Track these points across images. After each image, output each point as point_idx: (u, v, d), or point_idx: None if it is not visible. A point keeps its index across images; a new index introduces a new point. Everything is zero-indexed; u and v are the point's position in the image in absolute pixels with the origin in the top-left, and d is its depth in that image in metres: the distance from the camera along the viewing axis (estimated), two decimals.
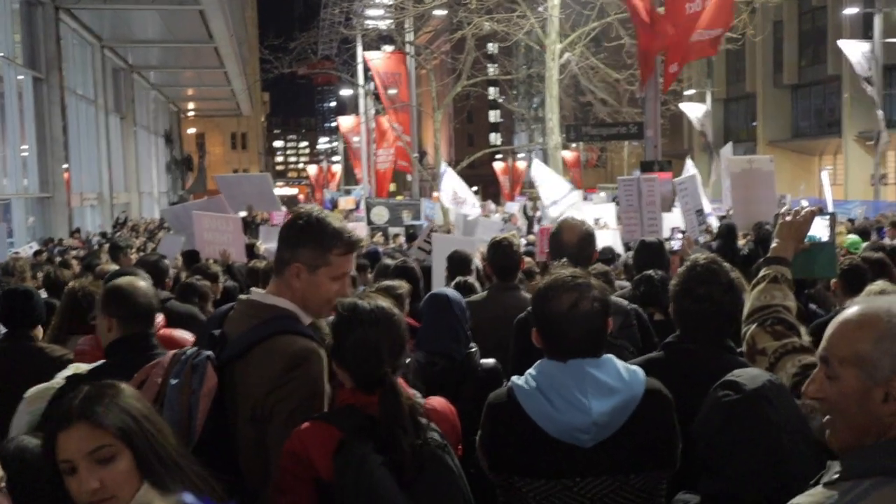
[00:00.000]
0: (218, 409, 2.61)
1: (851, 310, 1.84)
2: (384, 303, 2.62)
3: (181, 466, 2.10)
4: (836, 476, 1.73)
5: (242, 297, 2.93)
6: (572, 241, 4.14)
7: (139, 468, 2.04)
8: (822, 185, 16.20)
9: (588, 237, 4.30)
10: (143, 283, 3.54)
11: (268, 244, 11.00)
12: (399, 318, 2.60)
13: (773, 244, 3.03)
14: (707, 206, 14.22)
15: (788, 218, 3.05)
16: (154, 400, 2.52)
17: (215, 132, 77.63)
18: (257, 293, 2.86)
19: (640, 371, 2.63)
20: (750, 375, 2.29)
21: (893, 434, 1.75)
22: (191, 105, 64.79)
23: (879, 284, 4.19)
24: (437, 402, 2.82)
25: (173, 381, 2.61)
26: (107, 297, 3.39)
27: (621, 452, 2.53)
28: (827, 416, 1.85)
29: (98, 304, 3.50)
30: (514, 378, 2.66)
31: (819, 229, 3.08)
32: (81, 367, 3.28)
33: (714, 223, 12.33)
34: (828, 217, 3.10)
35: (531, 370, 2.66)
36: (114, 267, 7.30)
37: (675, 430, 2.62)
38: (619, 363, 2.64)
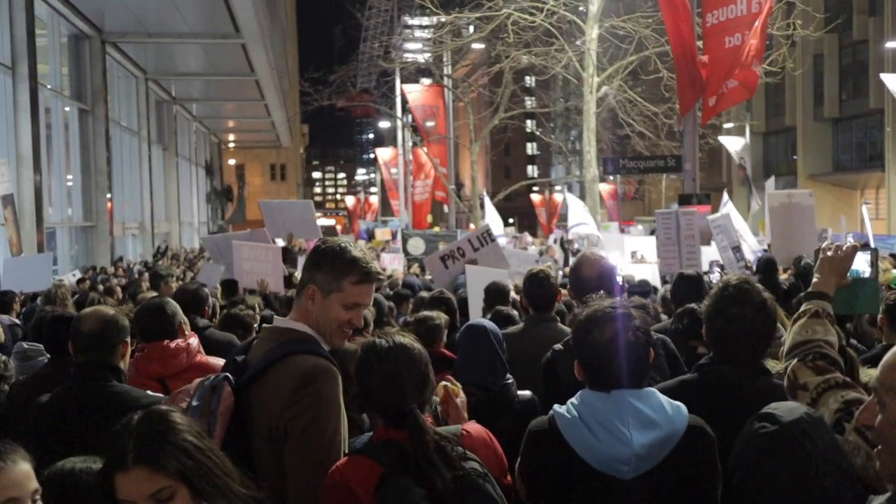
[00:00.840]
0: (237, 431, 2.66)
1: None
2: (404, 339, 2.63)
3: (236, 493, 2.12)
4: None
5: (266, 325, 3.00)
6: (592, 276, 4.10)
7: (196, 498, 2.07)
8: (863, 219, 15.99)
9: (607, 271, 4.26)
10: (105, 311, 3.69)
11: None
12: (420, 352, 2.60)
13: (815, 279, 3.01)
14: (751, 239, 14.08)
15: (830, 253, 3.03)
16: None
17: (255, 163, 78.58)
18: (279, 320, 2.93)
19: (682, 407, 2.61)
20: (787, 408, 2.27)
21: None
22: (231, 136, 65.73)
23: None
24: (473, 427, 2.80)
25: (195, 403, 2.68)
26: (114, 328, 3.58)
27: (661, 486, 2.52)
28: (877, 448, 1.84)
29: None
30: (556, 406, 2.66)
31: (861, 264, 3.05)
32: None
33: (751, 257, 12.22)
34: (869, 252, 3.07)
35: (573, 399, 2.66)
36: (153, 294, 7.40)
37: (717, 467, 2.59)
38: (662, 397, 2.63)
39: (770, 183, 21.23)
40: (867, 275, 3.06)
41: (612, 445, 2.50)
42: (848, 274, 3.02)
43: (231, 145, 69.77)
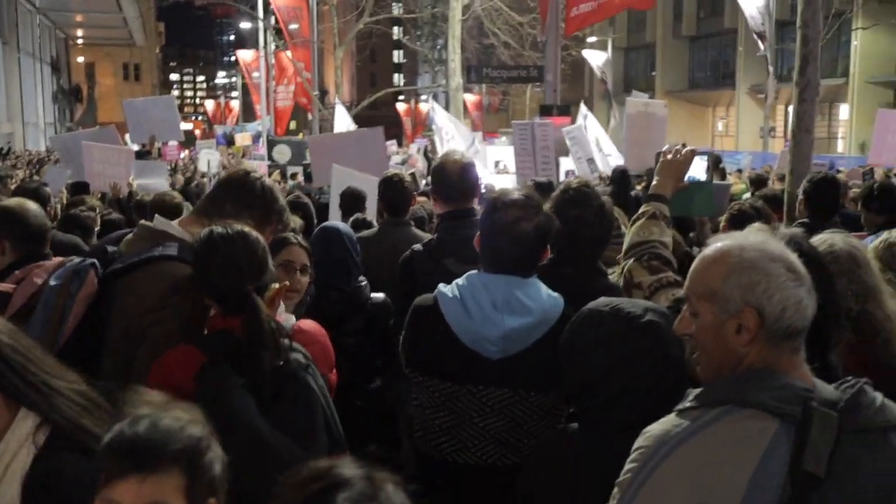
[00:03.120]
0: (91, 321, 2.61)
1: (709, 248, 1.90)
2: (241, 226, 2.62)
3: (56, 388, 2.02)
4: (689, 405, 1.80)
5: (144, 222, 2.94)
6: (454, 174, 4.01)
7: (10, 398, 1.97)
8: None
9: (469, 168, 4.10)
10: (32, 204, 3.44)
11: (141, 179, 10.47)
12: (257, 238, 2.60)
13: (654, 181, 3.12)
14: (611, 149, 14.33)
15: (669, 156, 3.13)
16: (30, 298, 2.48)
17: (106, 62, 74.30)
18: (159, 221, 2.86)
19: (561, 298, 2.71)
20: (630, 302, 2.38)
21: (746, 365, 1.82)
22: (80, 32, 61.89)
23: (757, 226, 4.36)
24: (307, 324, 2.88)
25: (53, 283, 2.63)
26: None
27: (525, 369, 2.62)
28: (696, 353, 1.92)
29: None
30: (441, 285, 2.75)
31: (698, 170, 3.17)
32: None
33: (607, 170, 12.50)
34: (706, 157, 3.20)
35: (460, 279, 2.75)
36: None
37: None
38: (545, 288, 2.72)
39: (630, 99, 21.75)
40: (703, 179, 3.20)
41: (484, 325, 2.62)
42: (686, 178, 3.14)
43: (80, 41, 65.69)
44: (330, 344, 2.98)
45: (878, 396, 1.78)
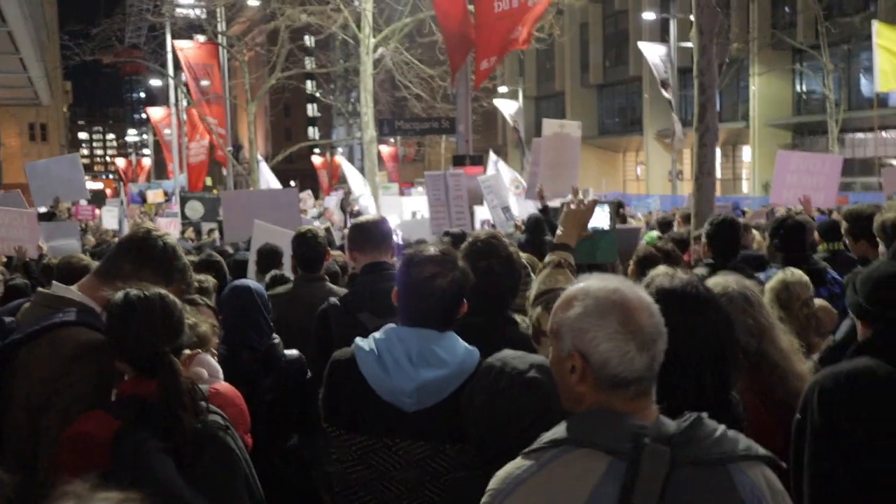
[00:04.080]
0: None
1: (568, 288, 1.98)
2: (158, 289, 2.61)
3: None
4: (535, 446, 1.86)
5: (41, 290, 2.87)
6: (370, 227, 4.14)
7: None
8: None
9: (383, 223, 4.30)
10: None
11: (52, 241, 10.24)
12: (173, 300, 2.60)
13: (559, 231, 3.21)
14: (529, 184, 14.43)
15: (573, 206, 3.23)
16: None
17: (11, 122, 72.39)
18: (58, 287, 2.81)
19: (477, 352, 2.74)
20: (520, 358, 2.45)
21: (586, 405, 1.88)
22: None
23: (661, 269, 4.49)
24: (223, 386, 2.85)
25: None
26: None
27: (440, 422, 2.64)
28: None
29: None
30: (358, 339, 2.76)
31: (601, 219, 3.28)
32: None
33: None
34: (608, 206, 3.31)
35: (377, 333, 2.76)
36: None
37: None
38: (461, 341, 2.76)
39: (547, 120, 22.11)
40: (606, 227, 3.30)
41: (399, 378, 2.63)
42: (589, 226, 3.24)
43: None
44: (245, 406, 2.95)
45: (719, 428, 1.82)
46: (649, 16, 37.61)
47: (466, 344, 2.77)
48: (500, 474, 1.86)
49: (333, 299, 3.92)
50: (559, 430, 1.85)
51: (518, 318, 3.26)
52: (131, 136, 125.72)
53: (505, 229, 11.68)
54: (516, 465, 1.85)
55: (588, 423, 1.83)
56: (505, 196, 12.13)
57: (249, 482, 2.54)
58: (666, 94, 29.63)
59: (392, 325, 2.79)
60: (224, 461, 2.45)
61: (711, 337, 2.31)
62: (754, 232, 8.13)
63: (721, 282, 2.85)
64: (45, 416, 2.51)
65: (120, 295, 2.55)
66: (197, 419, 2.44)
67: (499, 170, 13.88)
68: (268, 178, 23.47)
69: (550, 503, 1.76)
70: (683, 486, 1.73)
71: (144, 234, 2.91)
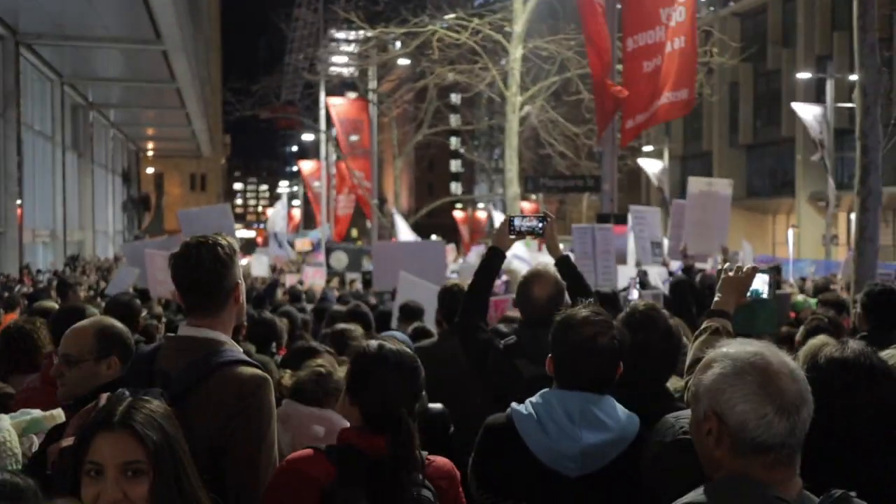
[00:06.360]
0: None
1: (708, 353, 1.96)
2: (407, 350, 2.63)
3: (199, 500, 2.09)
4: None
5: (171, 334, 2.93)
6: (543, 296, 3.90)
7: (154, 495, 2.02)
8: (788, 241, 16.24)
9: (560, 290, 4.01)
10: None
11: None
12: (420, 367, 2.60)
13: (716, 298, 3.09)
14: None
15: (731, 273, 3.11)
16: None
17: (174, 172, 77.03)
18: (190, 329, 2.79)
19: (636, 418, 2.68)
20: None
21: (724, 472, 1.80)
22: (150, 144, 64.36)
23: (822, 338, 4.26)
24: (440, 460, 2.72)
25: None
26: (106, 338, 3.21)
27: (605, 488, 2.58)
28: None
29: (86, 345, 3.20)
30: (514, 404, 2.72)
31: (760, 285, 3.14)
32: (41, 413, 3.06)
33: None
34: (768, 274, 3.17)
35: (533, 398, 2.72)
36: (52, 304, 7.09)
37: None
38: (620, 407, 2.70)
39: (693, 178, 21.57)
40: (766, 295, 3.15)
41: (561, 441, 2.58)
42: (748, 294, 3.10)
43: (150, 153, 68.30)
44: (459, 480, 2.76)
45: None
46: (804, 75, 36.46)
47: (625, 409, 2.70)
48: None
49: (513, 337, 3.82)
50: (696, 496, 1.79)
51: (673, 379, 3.15)
52: (283, 187, 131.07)
53: (647, 263, 11.32)
54: None
55: (724, 490, 1.76)
56: (658, 232, 11.72)
57: None
58: (821, 156, 28.49)
59: (550, 389, 2.73)
60: None
61: (885, 411, 2.17)
62: None
63: (894, 354, 2.67)
64: (230, 454, 2.56)
65: (373, 344, 2.58)
66: (414, 488, 2.40)
67: (658, 210, 13.46)
68: (403, 231, 23.92)
69: None
70: None
71: (213, 242, 2.82)
